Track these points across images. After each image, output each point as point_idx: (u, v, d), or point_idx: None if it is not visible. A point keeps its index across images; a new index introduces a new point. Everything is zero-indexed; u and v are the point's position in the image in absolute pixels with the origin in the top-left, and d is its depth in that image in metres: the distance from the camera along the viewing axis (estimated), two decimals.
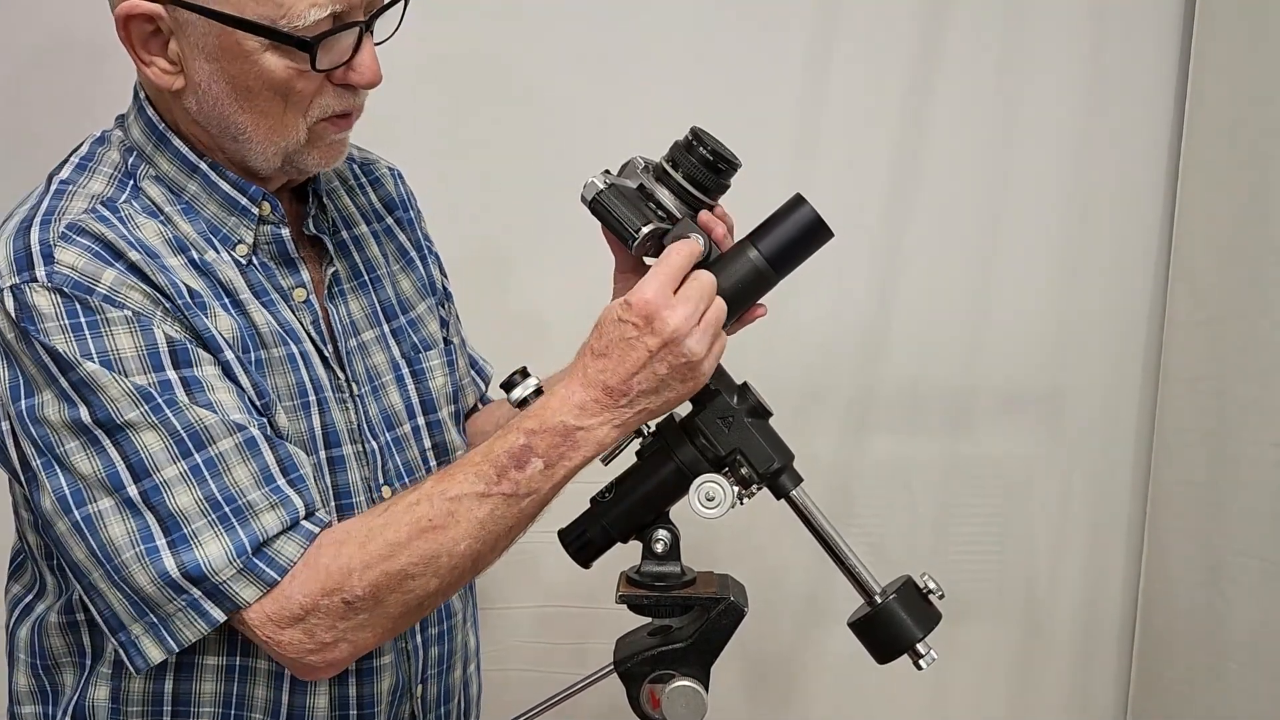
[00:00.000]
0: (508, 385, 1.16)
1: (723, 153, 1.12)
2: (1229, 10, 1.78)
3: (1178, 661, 1.89)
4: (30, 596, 1.20)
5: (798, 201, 1.14)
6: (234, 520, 1.02)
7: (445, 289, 1.40)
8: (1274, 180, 1.70)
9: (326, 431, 1.16)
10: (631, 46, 1.81)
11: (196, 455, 1.02)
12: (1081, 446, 1.97)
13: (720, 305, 1.08)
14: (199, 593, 1.01)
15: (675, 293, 1.05)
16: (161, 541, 1.00)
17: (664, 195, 1.13)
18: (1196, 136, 1.85)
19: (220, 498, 1.02)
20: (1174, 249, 1.90)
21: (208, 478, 1.02)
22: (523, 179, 1.81)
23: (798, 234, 1.13)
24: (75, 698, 1.16)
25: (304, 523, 1.05)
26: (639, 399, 1.05)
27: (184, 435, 1.02)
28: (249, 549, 1.02)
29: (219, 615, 1.02)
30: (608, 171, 1.15)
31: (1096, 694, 2.03)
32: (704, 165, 1.12)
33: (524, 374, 1.17)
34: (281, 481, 1.05)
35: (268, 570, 1.02)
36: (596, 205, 1.13)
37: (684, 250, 1.08)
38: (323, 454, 1.16)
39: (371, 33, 1.10)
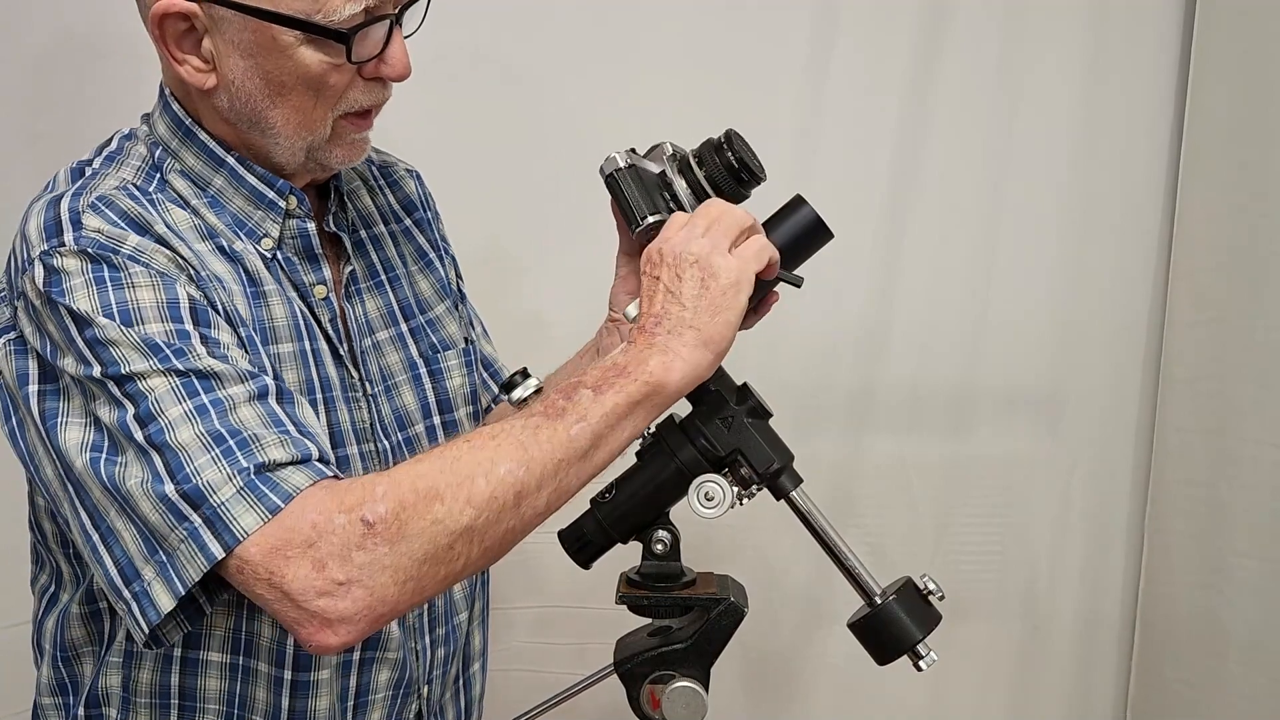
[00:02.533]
0: (508, 386, 1.16)
1: (749, 162, 1.12)
2: (1229, 10, 1.78)
3: (1178, 662, 1.89)
4: (54, 587, 1.20)
5: (798, 202, 1.14)
6: (237, 451, 0.96)
7: (460, 290, 1.41)
8: (1274, 180, 1.70)
9: (332, 430, 1.16)
10: (632, 47, 1.81)
11: (203, 396, 0.99)
12: (1082, 446, 1.97)
13: (732, 213, 1.05)
14: (199, 519, 0.95)
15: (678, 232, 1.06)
16: (165, 476, 0.96)
17: (681, 188, 1.13)
18: (1196, 136, 1.85)
19: (224, 431, 0.97)
20: (1174, 249, 1.90)
21: (212, 415, 0.98)
22: (524, 180, 1.81)
23: (798, 235, 1.13)
24: (90, 687, 1.17)
25: (315, 463, 0.98)
26: (666, 319, 1.02)
27: (192, 379, 0.99)
28: (250, 470, 0.95)
29: (217, 549, 0.94)
30: (633, 150, 1.14)
31: (1097, 694, 2.03)
32: (727, 170, 1.12)
33: (524, 374, 1.16)
34: (290, 427, 1.00)
35: (269, 495, 0.94)
36: (611, 182, 1.12)
37: (682, 214, 1.08)
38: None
39: (401, 26, 1.11)
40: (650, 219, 1.11)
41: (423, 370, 1.28)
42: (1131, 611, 2.00)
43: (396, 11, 1.10)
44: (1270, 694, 1.72)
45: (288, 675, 1.15)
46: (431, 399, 1.28)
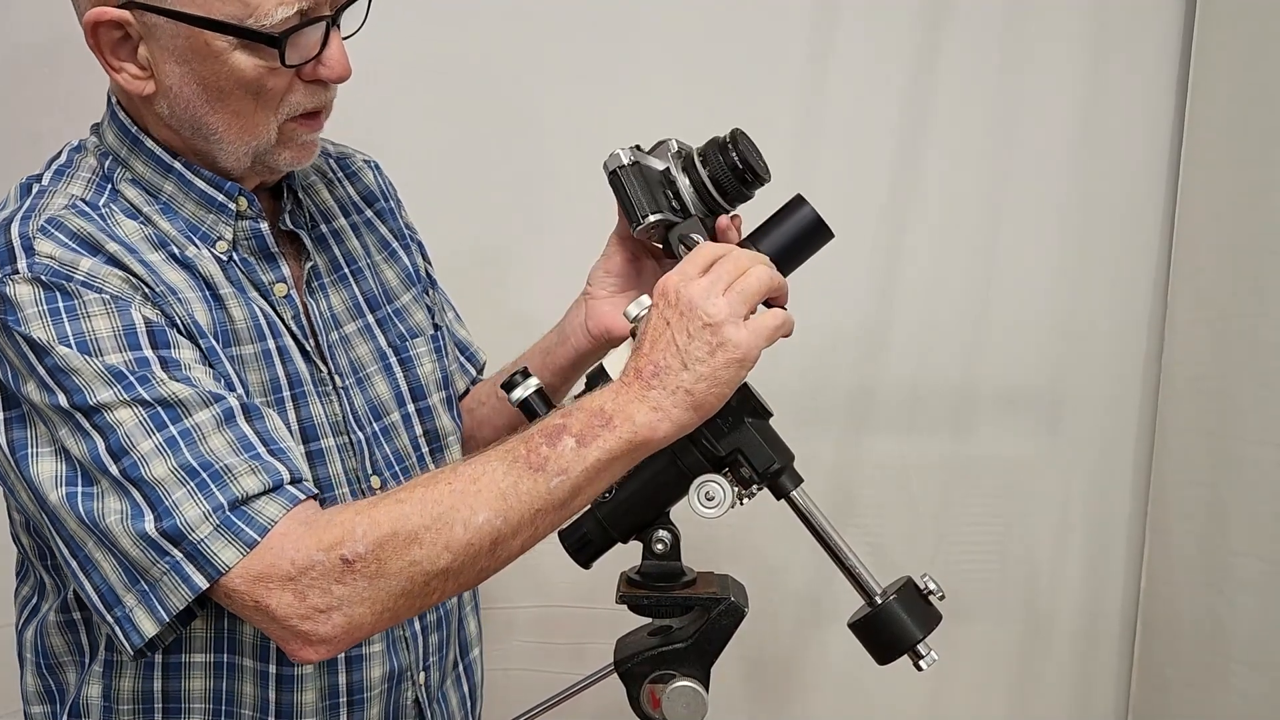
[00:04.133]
0: (508, 385, 1.16)
1: (753, 163, 1.12)
2: (1229, 10, 1.78)
3: (1179, 662, 1.89)
4: (36, 598, 1.20)
5: (798, 202, 1.14)
6: (211, 485, 0.99)
7: (430, 276, 1.40)
8: (1275, 180, 1.70)
9: (304, 426, 1.17)
10: (630, 46, 1.81)
11: (172, 428, 1.00)
12: (1082, 446, 1.97)
13: (758, 275, 1.04)
14: (180, 554, 0.98)
15: (701, 274, 1.05)
16: (146, 511, 0.99)
17: (684, 187, 1.12)
18: (1197, 136, 1.85)
19: (196, 464, 0.99)
20: (1175, 249, 1.90)
21: (183, 447, 1.00)
22: (519, 179, 1.81)
23: (798, 234, 1.13)
24: (74, 697, 1.17)
25: (288, 487, 1.01)
26: (666, 375, 1.01)
27: (159, 409, 1.01)
28: (225, 506, 0.98)
29: (200, 581, 0.98)
30: (638, 147, 1.13)
31: (1097, 695, 2.03)
32: (731, 170, 1.11)
33: (525, 374, 1.17)
34: (261, 449, 1.02)
35: (245, 529, 0.98)
36: (614, 179, 1.12)
37: (712, 246, 1.08)
38: (300, 449, 1.15)
39: (338, 27, 1.11)
40: (652, 217, 1.11)
41: (393, 359, 1.28)
42: (1132, 611, 2.00)
43: (333, 13, 1.09)
44: (1271, 694, 1.72)
45: (273, 669, 1.15)
46: (404, 387, 1.28)
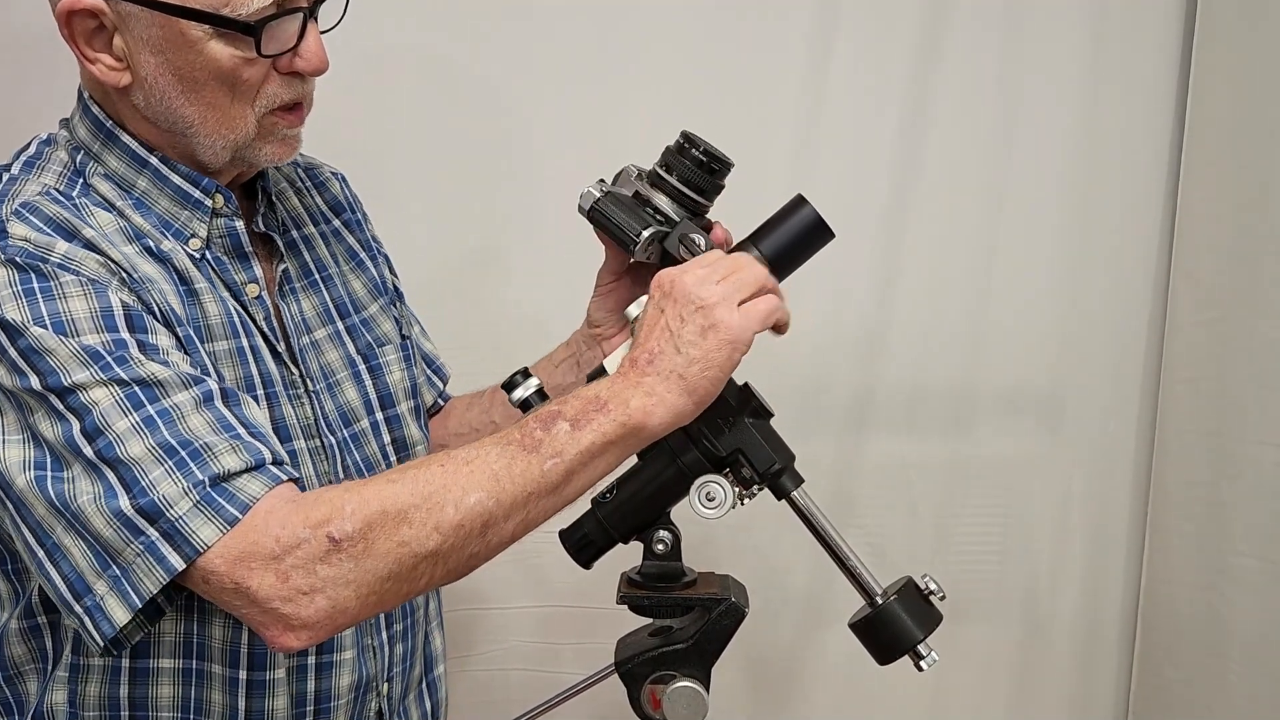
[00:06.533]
0: (509, 386, 1.16)
1: (715, 153, 1.13)
2: (1229, 10, 1.78)
3: (1179, 662, 1.89)
4: None
5: (799, 202, 1.14)
6: (190, 462, 0.96)
7: (396, 288, 1.40)
8: (1275, 180, 1.70)
9: (276, 426, 1.15)
10: (630, 46, 1.81)
11: (149, 407, 0.98)
12: (1082, 446, 1.97)
13: (755, 270, 1.06)
14: (156, 533, 0.95)
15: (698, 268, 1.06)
16: (121, 491, 0.96)
17: (660, 200, 1.14)
18: (1197, 136, 1.85)
19: (174, 443, 0.97)
20: (1175, 249, 1.90)
21: (161, 426, 0.97)
22: (519, 180, 1.80)
23: (799, 235, 1.13)
24: (35, 706, 1.15)
25: (269, 466, 0.99)
26: (660, 359, 1.02)
27: (136, 389, 0.98)
28: (205, 483, 0.95)
29: (177, 561, 0.94)
30: (602, 180, 1.15)
31: (1097, 695, 2.03)
32: (697, 167, 1.13)
33: (525, 374, 1.17)
34: (241, 430, 1.00)
35: (226, 506, 0.95)
36: (595, 214, 1.14)
37: (714, 251, 1.10)
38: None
39: (316, 19, 1.10)
40: (645, 233, 1.12)
41: (362, 367, 1.27)
42: (1132, 611, 2.00)
43: (310, 5, 1.08)
44: (1271, 694, 1.72)
45: (243, 675, 1.13)
46: (373, 395, 1.28)
